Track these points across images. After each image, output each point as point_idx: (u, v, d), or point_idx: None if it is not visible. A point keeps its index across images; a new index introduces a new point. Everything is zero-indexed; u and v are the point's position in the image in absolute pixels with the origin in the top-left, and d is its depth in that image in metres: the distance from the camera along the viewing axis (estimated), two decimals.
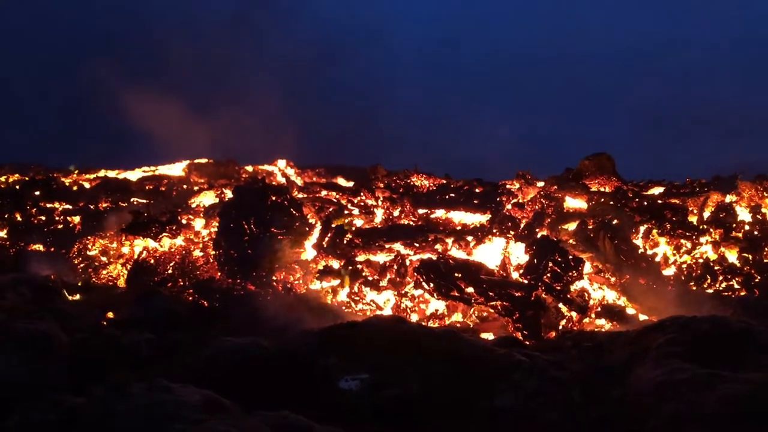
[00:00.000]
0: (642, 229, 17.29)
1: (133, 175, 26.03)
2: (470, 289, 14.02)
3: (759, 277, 15.90)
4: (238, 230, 16.48)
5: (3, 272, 15.82)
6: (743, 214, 18.55)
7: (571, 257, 14.62)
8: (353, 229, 17.82)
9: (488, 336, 12.93)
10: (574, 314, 14.15)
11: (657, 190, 20.53)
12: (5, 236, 20.09)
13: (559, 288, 14.18)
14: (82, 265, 18.09)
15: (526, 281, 14.48)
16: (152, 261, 17.61)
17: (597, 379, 8.77)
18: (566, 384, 8.24)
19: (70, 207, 21.35)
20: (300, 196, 20.17)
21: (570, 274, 14.35)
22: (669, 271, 16.51)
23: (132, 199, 22.45)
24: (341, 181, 23.91)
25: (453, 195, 19.53)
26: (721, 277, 16.01)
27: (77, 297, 15.68)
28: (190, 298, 15.51)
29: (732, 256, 16.88)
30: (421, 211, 18.80)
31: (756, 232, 17.64)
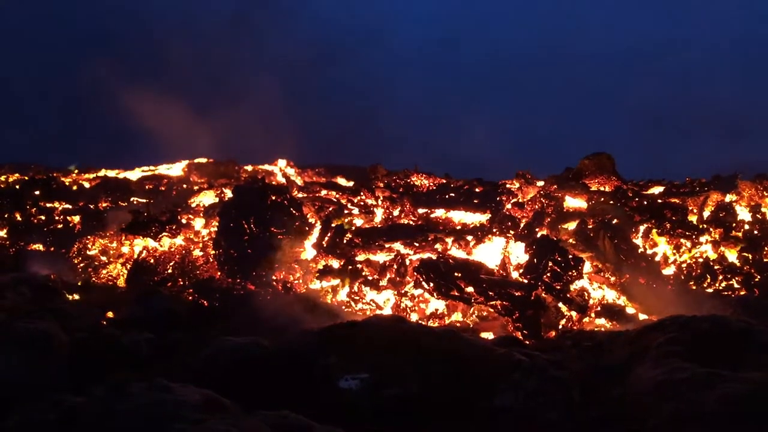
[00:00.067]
0: (642, 228, 17.29)
1: (133, 174, 26.03)
2: (470, 289, 14.02)
3: (759, 277, 15.90)
4: (238, 230, 16.48)
5: (3, 272, 15.84)
6: (743, 214, 18.56)
7: (570, 257, 14.62)
8: (353, 228, 17.82)
9: (488, 335, 12.93)
10: (573, 314, 14.15)
11: (657, 190, 20.53)
12: (5, 236, 20.09)
13: (558, 287, 14.17)
14: (81, 265, 18.09)
15: (525, 281, 14.48)
16: (152, 260, 17.61)
17: (597, 379, 8.77)
18: (566, 383, 8.24)
19: (70, 207, 21.35)
20: (300, 195, 20.17)
21: (570, 273, 14.35)
22: (669, 271, 16.51)
23: (132, 199, 22.46)
24: (341, 181, 23.90)
25: (453, 194, 19.53)
26: (720, 277, 16.01)
27: (77, 297, 15.69)
28: (190, 298, 15.51)
29: (732, 255, 16.88)
30: (421, 210, 18.80)
31: (756, 232, 17.64)
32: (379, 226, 18.17)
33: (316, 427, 6.32)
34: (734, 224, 17.75)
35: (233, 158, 28.17)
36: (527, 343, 12.14)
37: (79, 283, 16.76)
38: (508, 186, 19.67)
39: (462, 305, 14.39)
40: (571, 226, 17.18)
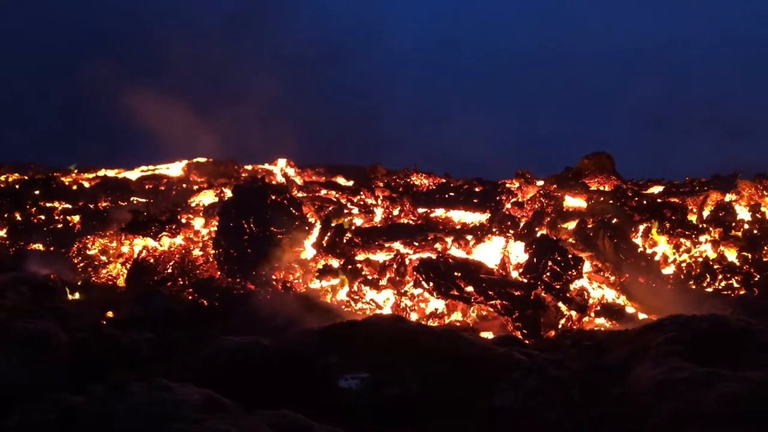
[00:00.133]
0: (641, 228, 17.30)
1: (133, 174, 26.01)
2: (470, 288, 14.02)
3: (758, 276, 15.91)
4: (238, 229, 16.49)
5: (3, 272, 15.80)
6: (743, 213, 18.55)
7: (570, 256, 14.63)
8: (353, 228, 17.82)
9: (488, 335, 12.93)
10: (573, 313, 14.16)
11: (656, 189, 20.53)
12: (5, 236, 20.08)
13: (558, 287, 14.18)
14: (81, 265, 18.08)
15: (525, 280, 14.49)
16: (152, 260, 17.61)
17: (596, 378, 8.78)
18: (565, 383, 8.25)
19: (70, 206, 21.33)
20: (300, 195, 20.17)
21: (569, 273, 14.36)
22: (668, 270, 16.52)
23: (132, 198, 22.45)
24: (341, 181, 23.87)
25: (453, 194, 19.51)
26: (720, 276, 16.02)
27: (77, 296, 15.68)
28: (190, 298, 15.50)
29: (731, 254, 16.88)
30: (420, 210, 18.79)
31: (755, 231, 17.64)
32: (378, 225, 18.18)
33: (315, 426, 6.32)
34: (734, 224, 17.75)
35: (233, 158, 28.10)
36: (527, 342, 12.15)
37: (79, 283, 16.72)
38: (507, 185, 19.66)
39: (462, 305, 14.39)
40: (571, 225, 17.18)
